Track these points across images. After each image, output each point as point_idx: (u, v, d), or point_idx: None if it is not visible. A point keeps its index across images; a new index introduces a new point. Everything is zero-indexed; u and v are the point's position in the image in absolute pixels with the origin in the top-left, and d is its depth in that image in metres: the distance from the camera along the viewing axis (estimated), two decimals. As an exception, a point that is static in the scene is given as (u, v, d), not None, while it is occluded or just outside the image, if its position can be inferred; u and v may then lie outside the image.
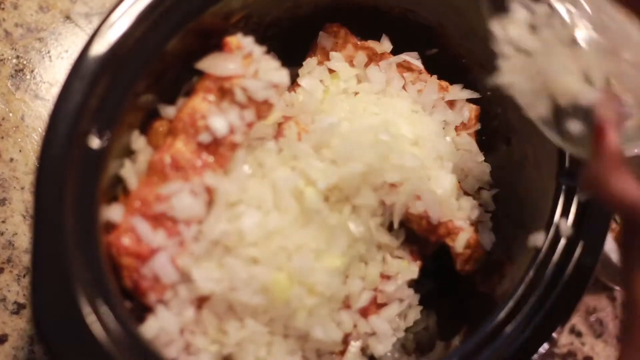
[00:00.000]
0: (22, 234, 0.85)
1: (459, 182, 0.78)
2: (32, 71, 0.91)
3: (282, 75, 0.69)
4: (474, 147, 0.80)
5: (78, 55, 0.61)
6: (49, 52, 0.93)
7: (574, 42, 0.56)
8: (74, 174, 0.58)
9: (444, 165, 0.76)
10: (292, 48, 0.75)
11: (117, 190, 0.67)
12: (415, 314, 0.77)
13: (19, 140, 0.88)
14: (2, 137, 0.87)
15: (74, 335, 0.56)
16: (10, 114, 0.88)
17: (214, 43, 0.69)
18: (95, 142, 0.60)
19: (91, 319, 0.56)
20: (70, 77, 0.60)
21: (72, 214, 0.58)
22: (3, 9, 0.93)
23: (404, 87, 0.79)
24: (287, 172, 0.69)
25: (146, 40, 0.64)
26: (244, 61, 0.67)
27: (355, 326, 0.71)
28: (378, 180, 0.70)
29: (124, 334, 0.57)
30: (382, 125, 0.73)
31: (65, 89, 0.60)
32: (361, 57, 0.79)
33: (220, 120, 0.66)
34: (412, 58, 0.80)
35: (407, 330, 0.77)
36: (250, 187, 0.68)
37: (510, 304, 0.65)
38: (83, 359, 0.56)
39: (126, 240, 0.63)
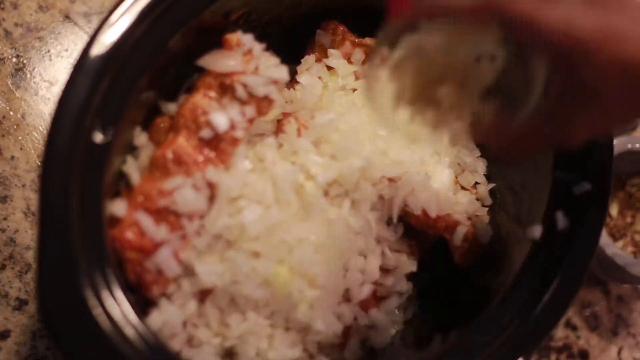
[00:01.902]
0: (23, 230, 0.85)
1: (456, 177, 0.79)
2: (32, 70, 0.92)
3: (282, 71, 0.69)
4: (470, 142, 0.81)
5: (81, 52, 0.61)
6: (48, 51, 0.93)
7: None
8: (79, 168, 0.59)
9: (441, 161, 0.77)
10: (290, 45, 0.76)
11: (120, 185, 0.67)
12: (413, 307, 0.78)
13: (20, 138, 0.88)
14: (3, 136, 0.88)
15: (81, 328, 0.56)
16: (11, 112, 0.89)
17: (214, 40, 0.69)
18: (99, 137, 0.61)
19: (97, 311, 0.57)
20: (74, 73, 0.60)
21: (78, 207, 0.58)
22: (3, 8, 0.93)
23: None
24: (288, 167, 0.69)
25: (147, 38, 0.65)
26: (244, 58, 0.68)
27: (355, 319, 0.72)
28: (377, 175, 0.71)
29: (130, 327, 0.58)
30: (380, 121, 0.74)
31: (70, 85, 0.60)
32: (359, 54, 0.79)
33: (221, 116, 0.67)
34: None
35: (405, 323, 0.77)
36: (251, 182, 0.68)
37: (508, 296, 0.65)
38: (90, 350, 0.56)
39: (130, 235, 0.63)
